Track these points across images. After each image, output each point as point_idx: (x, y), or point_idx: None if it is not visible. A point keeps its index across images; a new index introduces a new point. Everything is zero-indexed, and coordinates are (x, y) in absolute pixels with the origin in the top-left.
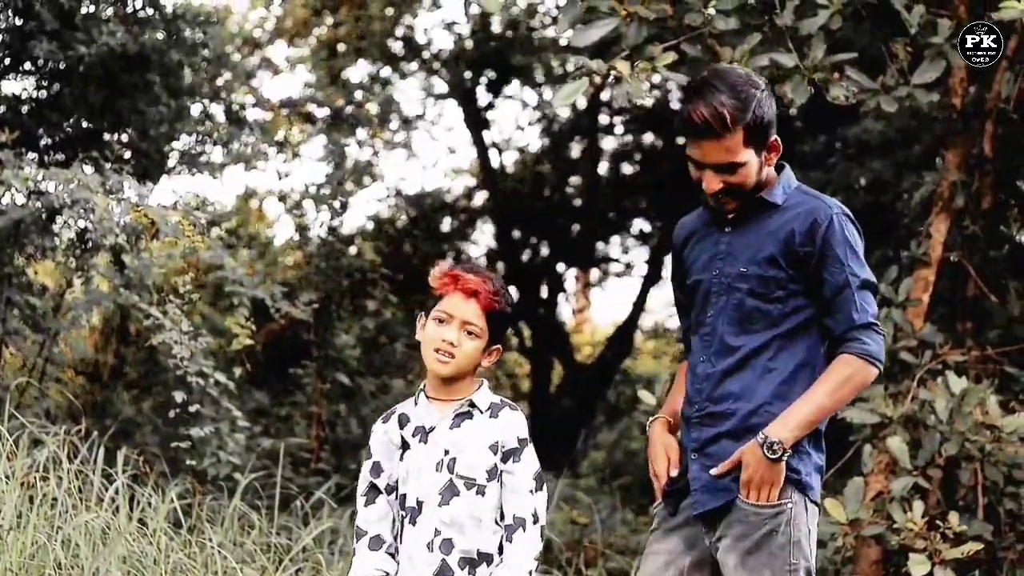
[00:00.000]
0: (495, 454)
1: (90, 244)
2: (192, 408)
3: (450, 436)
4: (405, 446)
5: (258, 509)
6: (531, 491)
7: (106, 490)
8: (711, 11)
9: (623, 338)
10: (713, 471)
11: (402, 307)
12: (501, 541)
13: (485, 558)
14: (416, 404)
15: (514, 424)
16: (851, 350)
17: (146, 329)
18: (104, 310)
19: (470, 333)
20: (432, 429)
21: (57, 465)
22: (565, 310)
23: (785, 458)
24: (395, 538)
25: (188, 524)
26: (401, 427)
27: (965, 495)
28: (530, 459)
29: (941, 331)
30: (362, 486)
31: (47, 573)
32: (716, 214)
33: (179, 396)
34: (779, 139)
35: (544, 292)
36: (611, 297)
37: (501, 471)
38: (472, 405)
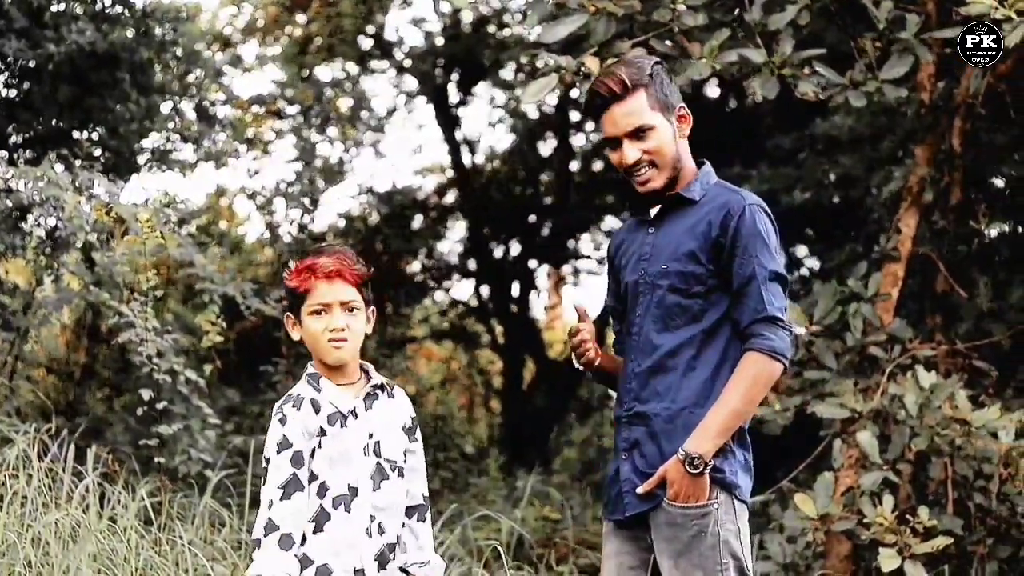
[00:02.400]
0: (404, 434)
1: (59, 242)
2: (160, 406)
3: (370, 419)
4: (322, 433)
5: (229, 506)
6: (424, 470)
7: (76, 488)
8: (680, 7)
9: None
10: (639, 490)
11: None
12: (404, 525)
13: (398, 543)
14: (319, 391)
15: (407, 402)
16: (755, 346)
17: (116, 327)
18: (75, 308)
19: (352, 310)
20: (352, 412)
21: (27, 463)
22: (537, 307)
23: (707, 471)
24: (303, 539)
25: (158, 522)
26: (316, 413)
27: (935, 489)
28: (420, 437)
29: (910, 326)
30: (280, 477)
31: (17, 571)
32: (642, 215)
33: (146, 394)
34: (688, 110)
35: (516, 289)
36: (583, 294)
37: (406, 450)
38: (377, 386)
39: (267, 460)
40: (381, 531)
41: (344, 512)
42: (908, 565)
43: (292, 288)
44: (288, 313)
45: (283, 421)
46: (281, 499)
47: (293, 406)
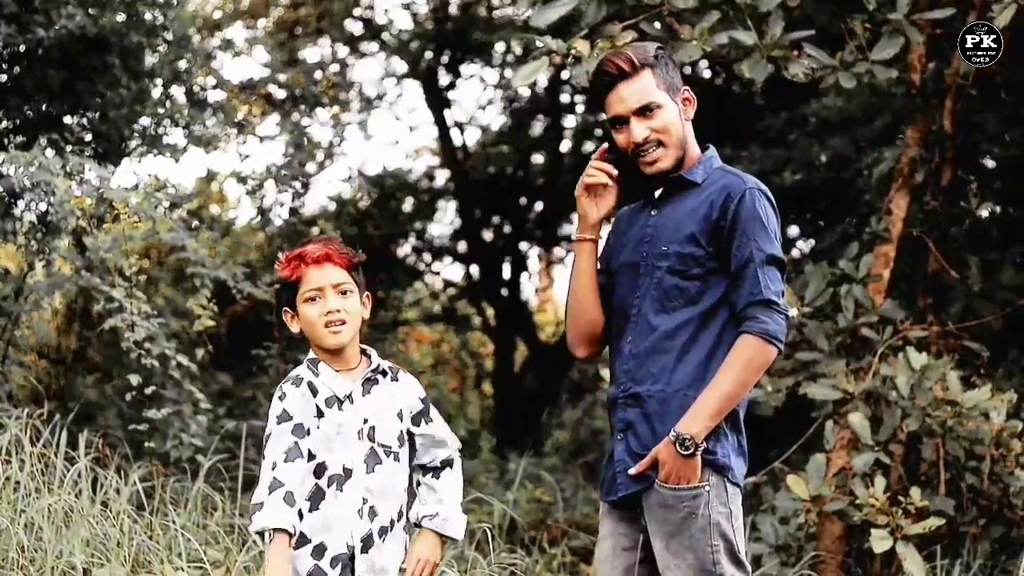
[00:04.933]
0: (402, 420)
1: (50, 227)
2: (148, 391)
3: (366, 404)
4: (320, 414)
5: (221, 491)
6: (452, 439)
7: (68, 473)
8: None
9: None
10: (631, 471)
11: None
12: (401, 509)
13: (391, 527)
14: (318, 375)
15: (414, 386)
16: (749, 329)
17: (106, 312)
18: (66, 293)
19: (344, 292)
20: (348, 397)
21: (20, 448)
22: (528, 289)
23: (699, 453)
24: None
25: (151, 506)
26: (313, 395)
27: (927, 470)
28: (439, 415)
29: (902, 307)
30: (282, 444)
31: (10, 556)
32: (645, 198)
33: (135, 379)
34: (692, 93)
35: (507, 271)
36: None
37: (412, 435)
38: (377, 371)
39: (268, 435)
40: (373, 514)
41: (336, 491)
42: (900, 546)
43: (284, 278)
44: (285, 308)
45: (283, 398)
46: (285, 461)
47: (293, 384)
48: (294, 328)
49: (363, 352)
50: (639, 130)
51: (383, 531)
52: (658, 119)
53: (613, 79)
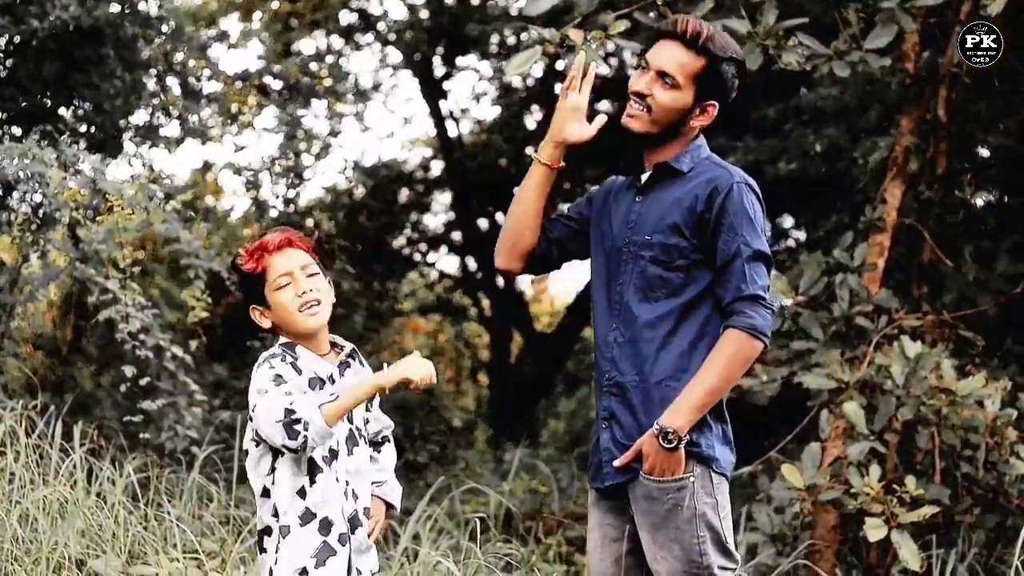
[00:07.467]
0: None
1: (45, 218)
2: (143, 382)
3: (344, 386)
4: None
5: (216, 482)
6: (388, 419)
7: (63, 464)
8: None
9: (582, 307)
10: (615, 463)
11: (360, 278)
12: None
13: (366, 512)
14: (297, 358)
15: (368, 371)
16: (736, 324)
17: (101, 303)
18: (61, 285)
19: (312, 274)
20: (329, 378)
21: (15, 440)
22: (523, 280)
23: (682, 446)
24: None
25: (146, 498)
26: (298, 374)
27: (922, 459)
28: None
29: (897, 296)
30: (281, 399)
31: (5, 547)
32: (633, 177)
33: (129, 371)
34: (716, 111)
35: None
36: (570, 266)
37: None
38: (349, 355)
39: (259, 392)
40: (355, 496)
41: (328, 468)
42: (895, 535)
43: (249, 272)
44: (252, 304)
45: (273, 367)
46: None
47: (279, 359)
48: (264, 324)
49: (332, 344)
50: (642, 81)
51: (366, 512)
52: (667, 93)
53: (673, 35)
